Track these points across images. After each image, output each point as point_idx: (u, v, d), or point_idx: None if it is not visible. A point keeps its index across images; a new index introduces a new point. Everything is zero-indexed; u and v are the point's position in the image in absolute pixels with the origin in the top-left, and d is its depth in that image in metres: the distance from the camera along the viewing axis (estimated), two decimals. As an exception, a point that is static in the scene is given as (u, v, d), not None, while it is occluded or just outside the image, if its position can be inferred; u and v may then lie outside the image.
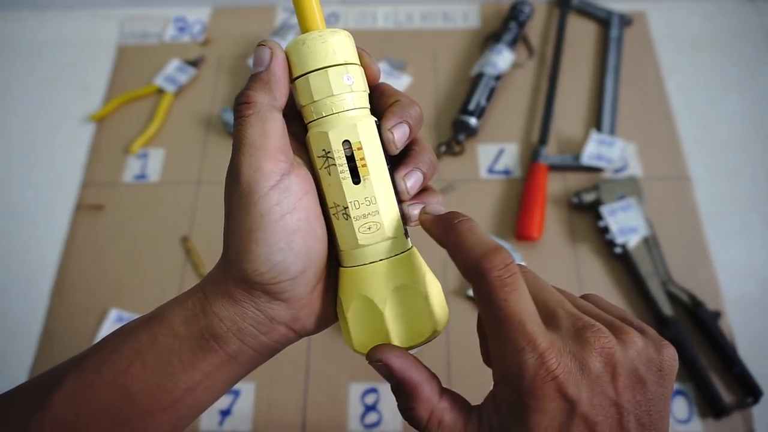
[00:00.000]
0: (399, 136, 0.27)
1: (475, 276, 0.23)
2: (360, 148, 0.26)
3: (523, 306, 0.23)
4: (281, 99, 0.27)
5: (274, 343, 0.28)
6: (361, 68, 0.27)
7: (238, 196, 0.25)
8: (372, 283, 0.26)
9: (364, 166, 0.26)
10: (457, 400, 0.26)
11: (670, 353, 0.25)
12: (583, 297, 0.27)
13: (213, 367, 0.27)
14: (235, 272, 0.26)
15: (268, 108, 0.26)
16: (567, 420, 0.22)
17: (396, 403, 0.26)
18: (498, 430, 0.24)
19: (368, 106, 0.27)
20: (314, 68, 0.26)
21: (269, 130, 0.26)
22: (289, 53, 0.27)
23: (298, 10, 0.27)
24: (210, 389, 0.28)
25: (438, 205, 0.28)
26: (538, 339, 0.22)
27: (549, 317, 0.24)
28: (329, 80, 0.26)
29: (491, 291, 0.23)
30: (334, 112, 0.26)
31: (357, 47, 0.28)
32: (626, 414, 0.22)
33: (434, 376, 0.26)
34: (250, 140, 0.26)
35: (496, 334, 0.23)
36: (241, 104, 0.26)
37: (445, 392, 0.26)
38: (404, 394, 0.26)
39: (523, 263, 0.27)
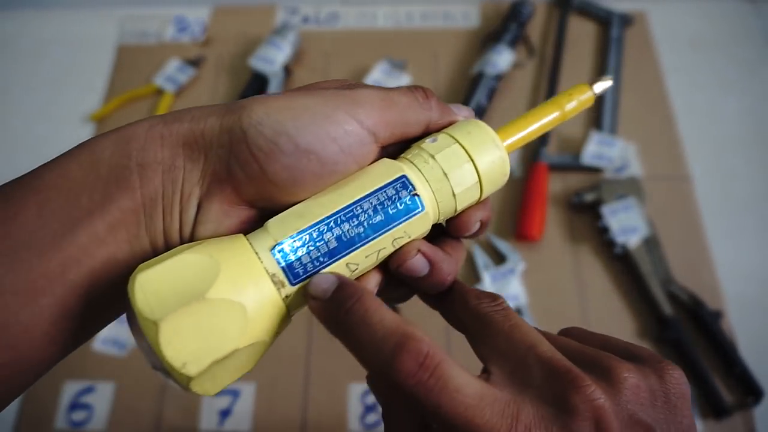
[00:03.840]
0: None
1: (393, 387, 0.19)
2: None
3: (461, 399, 0.18)
4: None
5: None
6: None
7: None
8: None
9: None
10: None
11: (675, 376, 0.20)
12: (564, 332, 0.24)
13: (118, 216, 0.21)
14: (226, 121, 0.22)
15: None
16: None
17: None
18: None
19: None
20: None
21: None
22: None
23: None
24: (98, 270, 0.21)
25: (326, 277, 0.21)
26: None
27: (518, 369, 0.20)
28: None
29: (419, 401, 0.18)
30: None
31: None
32: None
33: None
34: None
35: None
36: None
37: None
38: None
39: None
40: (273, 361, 0.58)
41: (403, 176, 0.22)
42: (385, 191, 0.22)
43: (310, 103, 0.22)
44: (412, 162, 0.23)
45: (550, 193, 0.66)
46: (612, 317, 0.60)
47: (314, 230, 0.21)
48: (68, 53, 0.82)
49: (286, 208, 0.22)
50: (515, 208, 0.66)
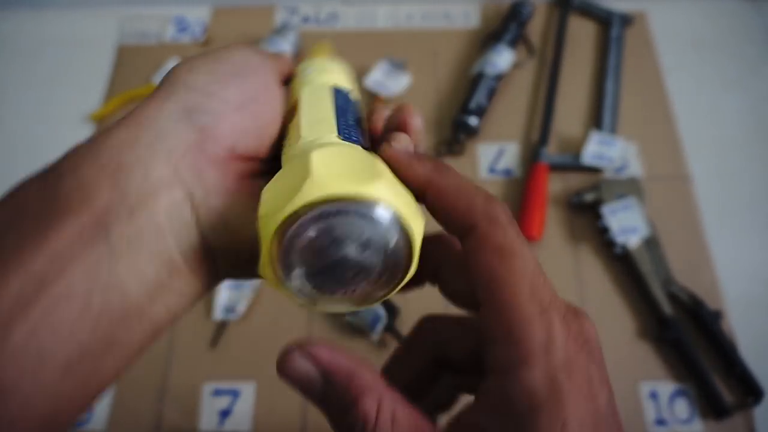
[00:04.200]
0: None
1: (485, 223, 0.20)
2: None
3: (536, 261, 0.19)
4: None
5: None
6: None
7: None
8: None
9: None
10: (409, 403, 0.20)
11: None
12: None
13: (65, 245, 0.18)
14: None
15: None
16: (598, 409, 0.18)
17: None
18: None
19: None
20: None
21: None
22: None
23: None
24: (54, 309, 0.17)
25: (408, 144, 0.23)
26: (556, 299, 0.19)
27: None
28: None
29: (507, 242, 0.19)
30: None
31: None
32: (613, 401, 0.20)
33: (375, 368, 0.21)
34: None
35: (510, 296, 0.19)
36: None
37: (393, 387, 0.20)
38: (338, 390, 0.19)
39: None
40: (273, 361, 0.58)
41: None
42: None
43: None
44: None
45: (550, 193, 0.66)
46: (612, 317, 0.60)
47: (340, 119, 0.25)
48: (67, 53, 0.82)
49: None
50: (515, 208, 0.66)
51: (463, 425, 0.19)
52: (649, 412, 0.56)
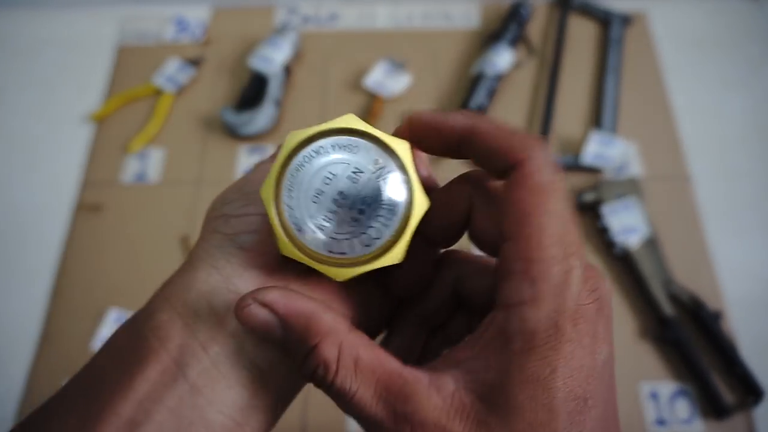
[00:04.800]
0: None
1: (526, 162, 0.19)
2: None
3: (569, 207, 0.19)
4: None
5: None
6: None
7: None
8: None
9: None
10: (374, 344, 0.20)
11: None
12: None
13: (150, 388, 0.19)
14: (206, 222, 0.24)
15: None
16: (594, 365, 0.18)
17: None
18: (497, 376, 0.18)
19: None
20: None
21: None
22: None
23: None
24: None
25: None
26: (581, 249, 0.19)
27: None
28: None
29: (546, 182, 0.19)
30: None
31: None
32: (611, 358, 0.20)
33: (338, 311, 0.21)
34: None
35: (536, 233, 0.18)
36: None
37: (358, 330, 0.20)
38: (296, 337, 0.19)
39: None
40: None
41: None
42: None
43: None
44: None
45: (550, 193, 0.66)
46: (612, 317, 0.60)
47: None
48: (67, 53, 0.82)
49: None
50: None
51: (448, 361, 0.19)
52: (650, 412, 0.56)
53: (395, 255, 0.21)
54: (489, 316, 0.19)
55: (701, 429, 0.55)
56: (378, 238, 0.21)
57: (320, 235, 0.21)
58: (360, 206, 0.21)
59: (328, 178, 0.21)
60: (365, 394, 0.18)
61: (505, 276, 0.19)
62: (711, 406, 0.55)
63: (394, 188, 0.21)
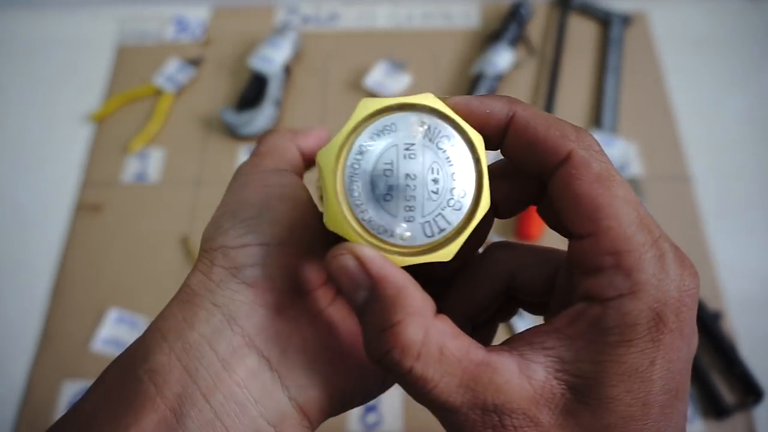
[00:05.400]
0: None
1: (581, 150, 0.19)
2: None
3: (632, 190, 0.19)
4: None
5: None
6: None
7: None
8: None
9: None
10: (461, 333, 0.18)
11: None
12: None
13: None
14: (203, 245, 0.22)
15: None
16: (688, 356, 0.18)
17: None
18: (591, 367, 0.17)
19: None
20: None
21: None
22: None
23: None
24: None
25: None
26: (663, 231, 0.18)
27: None
28: None
29: (605, 169, 0.18)
30: None
31: None
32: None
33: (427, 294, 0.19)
34: None
35: (617, 224, 0.18)
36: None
37: (444, 315, 0.19)
38: (381, 305, 0.17)
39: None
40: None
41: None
42: None
43: None
44: None
45: (550, 193, 0.66)
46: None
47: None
48: (67, 53, 0.82)
49: None
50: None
51: (535, 347, 0.18)
52: None
53: (446, 253, 0.19)
54: (573, 309, 0.18)
55: (701, 429, 0.55)
56: (435, 232, 0.20)
57: (376, 217, 0.19)
58: (427, 191, 0.20)
59: (394, 159, 0.20)
60: (450, 384, 0.17)
61: (593, 272, 0.18)
62: (711, 406, 0.55)
63: (464, 181, 0.20)
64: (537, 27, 0.79)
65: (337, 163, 0.19)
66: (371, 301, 0.18)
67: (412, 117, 0.20)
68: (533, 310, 0.24)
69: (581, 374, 0.17)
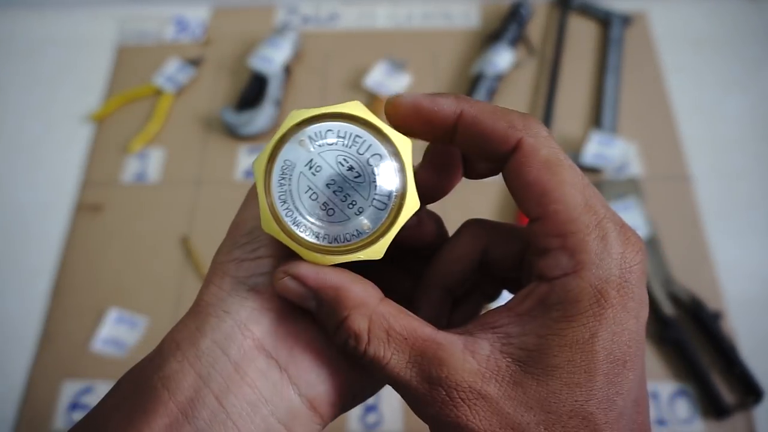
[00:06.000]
0: None
1: (529, 138, 0.19)
2: None
3: (582, 174, 0.20)
4: None
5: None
6: None
7: None
8: None
9: None
10: (407, 313, 0.20)
11: None
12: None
13: None
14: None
15: None
16: (636, 328, 0.18)
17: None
18: (534, 340, 0.18)
19: None
20: None
21: None
22: None
23: None
24: None
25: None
26: (611, 211, 0.19)
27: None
28: None
29: (553, 154, 0.19)
30: None
31: None
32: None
33: (370, 282, 0.21)
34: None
35: (564, 207, 0.19)
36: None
37: (389, 300, 0.20)
38: (326, 308, 0.20)
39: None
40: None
41: None
42: None
43: None
44: None
45: (550, 193, 0.66)
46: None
47: None
48: (67, 53, 0.82)
49: None
50: (515, 208, 0.66)
51: (483, 325, 0.20)
52: (650, 412, 0.56)
53: (376, 251, 0.21)
54: (526, 288, 0.20)
55: (701, 429, 0.55)
56: (362, 232, 0.21)
57: (305, 220, 0.21)
58: (350, 194, 0.21)
59: (319, 165, 0.21)
60: (399, 360, 0.19)
61: (543, 253, 0.19)
62: (711, 406, 0.55)
63: (387, 180, 0.21)
64: (537, 27, 0.79)
65: (266, 172, 0.21)
66: (319, 306, 0.20)
67: (336, 126, 0.21)
68: (513, 290, 0.25)
69: (525, 347, 0.18)
